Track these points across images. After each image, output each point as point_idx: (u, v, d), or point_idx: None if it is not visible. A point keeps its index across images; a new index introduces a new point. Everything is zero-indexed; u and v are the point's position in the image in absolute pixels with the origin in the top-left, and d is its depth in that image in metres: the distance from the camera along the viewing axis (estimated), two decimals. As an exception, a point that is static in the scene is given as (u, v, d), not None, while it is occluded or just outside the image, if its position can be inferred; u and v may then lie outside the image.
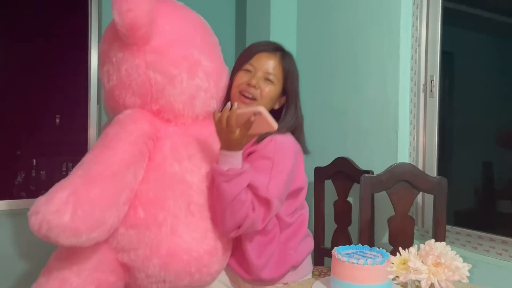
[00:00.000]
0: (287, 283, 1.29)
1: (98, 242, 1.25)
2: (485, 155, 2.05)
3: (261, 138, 1.34)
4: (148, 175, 1.29)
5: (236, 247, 1.39)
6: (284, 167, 1.32)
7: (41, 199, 1.16)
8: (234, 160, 1.22)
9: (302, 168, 1.44)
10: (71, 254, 1.27)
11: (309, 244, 1.51)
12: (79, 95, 2.52)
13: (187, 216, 1.28)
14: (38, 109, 2.60)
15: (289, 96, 1.44)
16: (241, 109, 1.18)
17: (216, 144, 1.35)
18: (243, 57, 1.45)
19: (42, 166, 2.67)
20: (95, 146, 1.30)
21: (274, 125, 1.18)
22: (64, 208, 1.13)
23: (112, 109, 1.41)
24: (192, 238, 1.28)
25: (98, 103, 2.48)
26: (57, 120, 2.69)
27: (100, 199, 1.19)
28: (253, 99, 1.38)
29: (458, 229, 1.84)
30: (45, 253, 2.27)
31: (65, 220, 1.12)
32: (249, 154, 1.33)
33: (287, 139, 1.39)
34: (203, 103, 1.37)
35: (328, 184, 2.10)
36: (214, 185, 1.25)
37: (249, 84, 1.38)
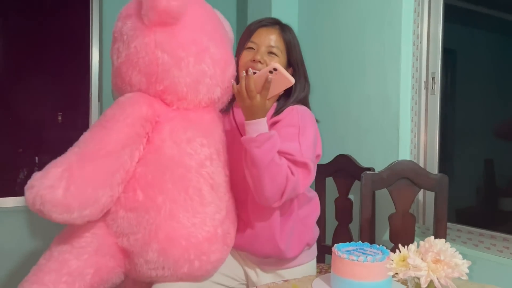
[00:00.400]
0: (287, 280, 1.30)
1: (98, 226, 1.29)
2: (486, 153, 2.05)
3: (279, 109, 1.38)
4: (147, 157, 1.30)
5: (247, 228, 1.39)
6: (309, 133, 1.36)
7: (37, 174, 1.18)
8: (261, 126, 1.24)
9: (319, 135, 1.47)
10: (71, 238, 1.29)
11: (317, 227, 1.55)
12: (81, 92, 2.53)
13: (185, 200, 1.28)
14: (40, 106, 2.61)
15: (296, 67, 1.46)
16: (257, 73, 1.22)
17: (216, 130, 1.39)
18: (243, 38, 1.46)
19: (44, 164, 2.67)
20: (93, 126, 1.31)
21: (291, 79, 1.21)
22: (57, 183, 1.14)
23: (119, 88, 1.41)
24: (191, 223, 1.28)
25: (99, 100, 2.48)
26: (59, 118, 2.70)
27: (94, 177, 1.20)
28: None
29: (459, 226, 1.84)
30: (47, 250, 2.28)
31: (58, 196, 1.13)
32: (271, 125, 1.34)
33: (305, 108, 1.44)
34: (207, 89, 1.37)
35: (329, 182, 2.10)
36: (247, 156, 1.24)
37: (254, 60, 1.40)
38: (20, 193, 2.52)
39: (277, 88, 1.23)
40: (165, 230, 1.25)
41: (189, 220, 1.28)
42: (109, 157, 1.23)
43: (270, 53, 1.42)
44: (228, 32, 1.55)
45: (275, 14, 2.45)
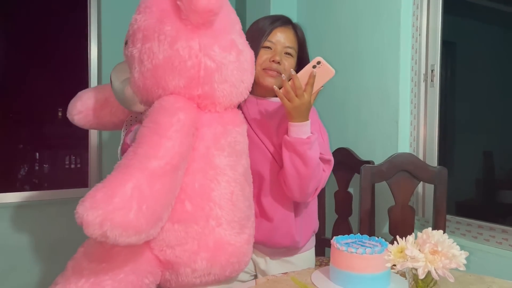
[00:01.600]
0: (287, 273, 1.30)
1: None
2: (485, 145, 2.05)
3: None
4: (192, 166, 1.24)
5: (264, 222, 1.43)
6: (324, 128, 1.49)
7: (98, 195, 1.03)
8: (307, 128, 1.29)
9: None
10: (106, 255, 1.20)
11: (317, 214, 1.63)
12: (80, 88, 2.53)
13: (229, 206, 1.27)
14: (40, 102, 2.62)
15: (304, 65, 1.46)
16: (300, 71, 1.24)
17: (245, 130, 1.38)
18: (257, 35, 1.45)
19: (45, 159, 2.68)
20: (146, 136, 1.17)
21: (333, 69, 1.25)
22: (128, 205, 1.03)
23: (147, 89, 1.30)
24: (233, 228, 1.27)
25: (98, 95, 2.48)
26: (59, 114, 2.70)
27: (162, 195, 1.12)
28: (278, 72, 1.42)
29: (458, 218, 1.84)
30: (48, 246, 2.30)
31: (130, 218, 1.03)
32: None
33: None
34: (240, 93, 1.34)
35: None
36: (296, 157, 1.29)
37: (273, 61, 1.42)
38: (21, 188, 2.55)
39: (320, 82, 1.25)
40: (213, 238, 1.23)
41: (232, 226, 1.27)
42: (173, 172, 1.15)
43: (286, 53, 1.45)
44: None
45: (274, 6, 2.45)
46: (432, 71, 1.91)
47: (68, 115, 1.66)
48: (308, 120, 1.29)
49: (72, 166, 2.66)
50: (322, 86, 1.28)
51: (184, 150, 1.19)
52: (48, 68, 2.59)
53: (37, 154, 2.67)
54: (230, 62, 1.29)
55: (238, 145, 1.32)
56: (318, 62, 1.23)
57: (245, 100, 1.46)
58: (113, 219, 1.01)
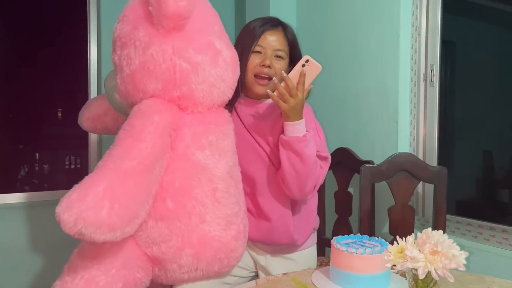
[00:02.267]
0: (287, 273, 1.30)
1: (124, 239, 1.22)
2: (485, 144, 2.05)
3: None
4: (172, 165, 1.28)
5: (261, 221, 1.45)
6: (320, 126, 1.50)
7: (72, 196, 1.09)
8: (302, 126, 1.32)
9: None
10: (96, 252, 1.25)
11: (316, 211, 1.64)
12: (80, 88, 2.53)
13: (213, 203, 1.30)
14: (40, 103, 2.62)
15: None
16: (291, 71, 1.29)
17: (231, 129, 1.41)
18: (247, 39, 1.46)
19: (44, 160, 2.68)
20: (121, 139, 1.23)
21: (320, 65, 1.30)
22: (100, 203, 1.09)
23: (129, 94, 1.36)
24: (219, 224, 1.30)
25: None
26: (59, 114, 2.70)
27: (134, 193, 1.17)
28: (269, 78, 1.43)
29: (458, 218, 1.84)
30: (48, 246, 2.30)
31: (102, 216, 1.08)
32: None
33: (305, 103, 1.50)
34: (222, 93, 1.37)
35: (329, 175, 2.09)
36: (293, 155, 1.31)
37: (263, 65, 1.43)
38: (21, 189, 2.55)
39: (309, 79, 1.30)
40: (197, 235, 1.27)
41: (218, 222, 1.30)
42: (147, 172, 1.20)
43: (277, 56, 1.46)
44: None
45: (274, 7, 2.45)
46: (431, 70, 1.91)
47: (79, 122, 1.80)
48: (302, 118, 1.31)
49: (72, 166, 2.66)
50: (311, 85, 1.32)
51: (158, 150, 1.23)
52: (48, 68, 2.59)
53: (37, 154, 2.67)
54: (207, 63, 1.31)
55: (221, 144, 1.35)
56: (307, 61, 1.28)
57: (239, 102, 1.50)
58: (86, 217, 1.06)
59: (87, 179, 1.15)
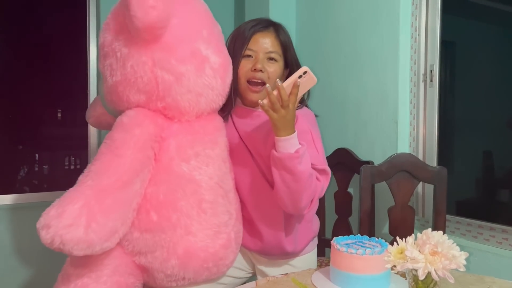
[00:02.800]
0: (287, 274, 1.30)
1: (111, 249, 1.25)
2: (485, 144, 2.05)
3: None
4: (156, 177, 1.27)
5: (253, 232, 1.44)
6: (318, 135, 1.41)
7: (51, 212, 1.12)
8: (294, 141, 1.22)
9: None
10: (87, 261, 1.26)
11: (316, 217, 1.59)
12: (80, 89, 2.53)
13: (199, 214, 1.28)
14: (40, 103, 2.61)
15: (292, 67, 1.43)
16: (286, 80, 1.20)
17: (221, 138, 1.37)
18: (237, 43, 1.41)
19: (44, 161, 2.68)
20: (102, 153, 1.24)
21: (315, 78, 1.22)
22: (77, 221, 1.10)
23: (114, 104, 1.37)
24: (207, 235, 1.29)
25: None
26: (59, 115, 2.70)
27: (113, 210, 1.17)
28: (262, 83, 1.37)
29: (458, 218, 1.84)
30: (47, 248, 2.29)
31: (79, 234, 1.10)
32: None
33: (305, 109, 1.45)
34: (210, 101, 1.33)
35: (329, 175, 2.10)
36: (285, 172, 1.22)
37: (255, 70, 1.37)
38: (20, 190, 2.54)
39: (302, 90, 1.22)
40: (183, 246, 1.26)
41: (204, 233, 1.29)
42: (125, 188, 1.20)
43: (269, 59, 1.40)
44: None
45: (273, 8, 2.45)
46: (431, 71, 1.91)
47: (86, 118, 1.81)
48: (294, 131, 1.22)
49: (72, 167, 2.66)
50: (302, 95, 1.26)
51: (138, 165, 1.22)
52: (48, 69, 2.59)
53: (37, 155, 2.67)
54: (191, 72, 1.27)
55: (210, 153, 1.32)
56: (305, 72, 1.19)
57: (235, 110, 1.46)
58: (63, 235, 1.08)
59: (66, 194, 1.17)
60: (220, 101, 1.37)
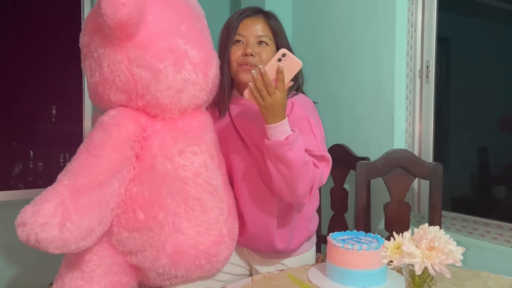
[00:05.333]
0: (283, 270, 1.30)
1: (104, 248, 1.28)
2: (480, 141, 2.05)
3: None
4: (141, 176, 1.26)
5: (244, 228, 1.41)
6: (317, 121, 1.38)
7: (28, 210, 1.15)
8: (285, 128, 1.18)
9: (319, 117, 1.45)
10: (79, 262, 1.27)
11: (316, 216, 1.56)
12: (74, 86, 2.51)
13: (187, 212, 1.27)
14: (34, 100, 2.60)
15: None
16: (266, 66, 1.15)
17: (207, 134, 1.35)
18: (226, 31, 1.39)
19: (39, 157, 2.67)
20: (80, 152, 1.25)
21: (300, 61, 1.16)
22: (51, 220, 1.12)
23: (98, 103, 1.37)
24: (197, 232, 1.28)
25: (93, 93, 2.47)
26: (53, 111, 2.68)
27: (88, 209, 1.17)
28: (254, 66, 1.31)
29: (453, 214, 1.85)
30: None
31: (54, 233, 1.12)
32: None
33: (302, 96, 1.42)
34: (192, 96, 1.31)
35: (325, 171, 2.10)
36: (277, 160, 1.18)
37: (245, 54, 1.34)
38: (15, 187, 2.53)
39: (289, 76, 1.16)
40: (171, 244, 1.26)
41: (194, 230, 1.28)
42: (101, 188, 1.20)
43: (260, 42, 1.36)
44: (199, 13, 1.43)
45: (269, 4, 2.44)
46: (427, 67, 1.91)
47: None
48: (285, 118, 1.18)
49: (67, 163, 2.65)
50: (291, 81, 1.19)
51: (115, 166, 1.22)
52: (42, 66, 2.57)
53: (31, 152, 2.65)
54: (169, 68, 1.25)
55: (195, 149, 1.31)
56: (283, 55, 1.14)
57: (231, 102, 1.43)
58: (37, 233, 1.11)
59: (43, 193, 1.19)
60: (203, 96, 1.34)
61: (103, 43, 1.24)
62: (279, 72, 1.12)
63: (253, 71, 1.14)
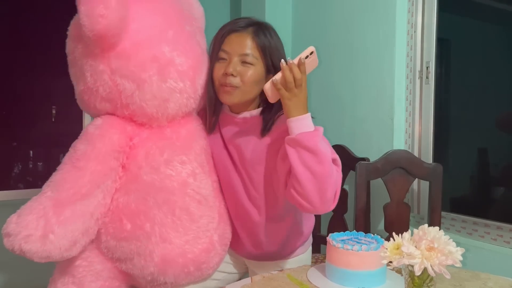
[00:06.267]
0: (282, 270, 1.30)
1: (94, 254, 1.28)
2: (480, 142, 2.05)
3: (276, 118, 1.28)
4: (127, 186, 1.24)
5: (235, 236, 1.41)
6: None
7: (13, 220, 1.15)
8: (309, 121, 1.15)
9: None
10: (71, 268, 1.27)
11: (311, 217, 1.53)
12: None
13: (174, 222, 1.25)
14: (34, 100, 2.60)
15: (276, 72, 1.23)
16: (294, 59, 1.13)
17: (196, 142, 1.32)
18: (214, 44, 1.31)
19: (39, 158, 2.67)
20: (64, 163, 1.24)
21: (317, 59, 1.18)
22: (34, 232, 1.13)
23: (86, 110, 1.37)
24: (185, 241, 1.27)
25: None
26: (53, 112, 2.68)
27: (71, 222, 1.17)
28: (235, 87, 1.25)
29: (453, 215, 1.85)
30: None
31: (37, 245, 1.13)
32: (279, 139, 1.22)
33: None
34: (179, 105, 1.27)
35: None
36: (305, 155, 1.10)
37: (225, 74, 1.25)
38: (15, 186, 2.53)
39: (308, 72, 1.17)
40: (159, 254, 1.24)
41: (182, 239, 1.26)
42: (85, 200, 1.18)
43: (244, 62, 1.25)
44: (193, 14, 1.39)
45: (270, 5, 2.44)
46: (427, 68, 1.91)
47: None
48: (307, 112, 1.14)
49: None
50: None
51: (98, 178, 1.20)
52: (42, 66, 2.57)
53: (31, 152, 2.66)
54: (154, 77, 1.21)
55: (183, 158, 1.28)
56: (311, 53, 1.15)
57: (221, 116, 1.37)
58: (21, 245, 1.12)
59: (27, 204, 1.19)
60: (192, 104, 1.30)
61: (85, 53, 1.21)
62: (302, 64, 1.12)
63: (282, 60, 1.12)
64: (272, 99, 1.19)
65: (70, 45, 1.28)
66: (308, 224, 1.49)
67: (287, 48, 2.47)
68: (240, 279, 1.52)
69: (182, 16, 1.32)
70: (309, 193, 1.12)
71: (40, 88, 2.59)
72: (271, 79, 1.15)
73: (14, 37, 2.51)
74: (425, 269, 0.86)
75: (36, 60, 2.57)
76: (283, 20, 2.47)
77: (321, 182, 1.11)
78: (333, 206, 1.17)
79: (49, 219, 1.15)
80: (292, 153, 1.13)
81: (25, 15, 2.52)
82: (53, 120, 2.67)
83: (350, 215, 1.94)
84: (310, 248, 1.55)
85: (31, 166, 2.67)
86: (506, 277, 1.22)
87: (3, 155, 2.54)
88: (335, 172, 1.16)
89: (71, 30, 1.28)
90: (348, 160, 1.97)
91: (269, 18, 2.41)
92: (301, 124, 1.13)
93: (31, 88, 2.55)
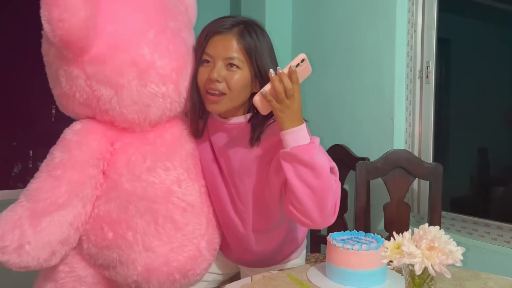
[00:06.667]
0: (282, 269, 1.30)
1: (76, 260, 1.25)
2: (480, 142, 2.05)
3: (267, 127, 1.21)
4: (108, 194, 1.19)
5: (225, 243, 1.39)
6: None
7: None
8: (305, 132, 1.07)
9: None
10: (52, 273, 1.25)
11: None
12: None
13: (157, 230, 1.20)
14: (34, 100, 2.59)
15: (263, 78, 1.17)
16: (284, 69, 1.05)
17: (182, 146, 1.26)
18: (198, 46, 1.22)
19: (38, 157, 2.66)
20: (41, 171, 1.19)
21: (311, 67, 1.09)
22: (10, 244, 1.11)
23: (67, 114, 1.30)
24: (169, 249, 1.21)
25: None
26: (53, 112, 2.68)
27: (48, 232, 1.13)
28: (221, 94, 1.18)
29: (453, 215, 1.85)
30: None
31: (13, 256, 1.11)
32: (274, 149, 1.15)
33: None
34: (162, 109, 1.20)
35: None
36: (301, 170, 1.05)
37: (210, 79, 1.17)
38: (14, 186, 2.52)
39: (301, 80, 1.09)
40: (142, 263, 1.20)
41: (166, 248, 1.21)
42: (62, 210, 1.14)
43: (230, 65, 1.16)
44: (179, 7, 1.30)
45: (270, 5, 2.44)
46: (427, 67, 1.91)
47: None
48: (303, 122, 1.08)
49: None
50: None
51: (76, 187, 1.15)
52: (42, 65, 2.57)
53: (31, 151, 2.65)
54: (133, 82, 1.14)
55: (167, 164, 1.22)
56: (302, 60, 1.06)
57: (209, 122, 1.30)
58: None
59: (4, 213, 1.16)
60: (177, 107, 1.24)
61: (58, 57, 1.14)
62: (294, 73, 1.04)
63: (271, 70, 1.04)
64: (263, 111, 1.10)
65: (45, 46, 1.20)
66: (302, 230, 1.45)
67: (287, 48, 2.49)
68: (230, 278, 1.51)
69: (165, 12, 1.23)
70: (309, 209, 1.08)
71: (40, 88, 2.58)
72: (260, 91, 1.06)
73: (15, 36, 2.51)
74: (425, 269, 0.86)
75: (36, 60, 2.56)
76: (283, 20, 2.47)
77: (320, 197, 1.07)
78: (333, 219, 1.13)
79: (25, 231, 1.12)
80: (288, 168, 1.07)
81: (25, 14, 2.52)
82: (53, 120, 2.67)
83: (350, 214, 1.94)
84: (304, 252, 1.53)
85: (31, 165, 2.67)
86: (507, 276, 1.22)
87: (3, 154, 2.53)
88: (334, 183, 1.10)
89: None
90: (348, 160, 1.97)
91: (269, 18, 2.42)
92: (296, 136, 1.06)
93: (31, 88, 2.55)
